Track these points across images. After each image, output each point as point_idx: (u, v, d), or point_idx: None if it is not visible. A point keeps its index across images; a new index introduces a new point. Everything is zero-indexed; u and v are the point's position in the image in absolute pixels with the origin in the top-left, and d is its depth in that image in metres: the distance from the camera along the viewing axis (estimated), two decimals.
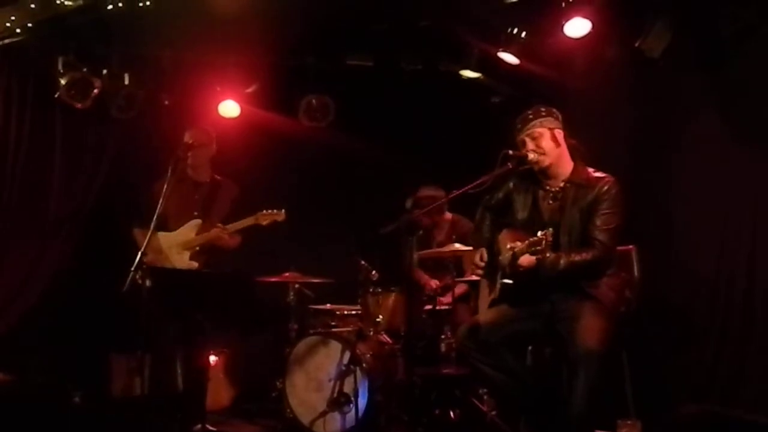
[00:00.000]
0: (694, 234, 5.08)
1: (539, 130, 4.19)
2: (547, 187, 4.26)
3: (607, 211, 4.05)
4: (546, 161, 4.19)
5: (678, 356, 5.00)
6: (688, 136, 5.19)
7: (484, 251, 4.36)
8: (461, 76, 6.40)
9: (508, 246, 4.09)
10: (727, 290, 4.85)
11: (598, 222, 4.04)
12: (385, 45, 6.36)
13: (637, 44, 5.12)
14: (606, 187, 4.10)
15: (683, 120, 5.22)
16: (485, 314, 4.31)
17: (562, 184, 4.21)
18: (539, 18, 5.50)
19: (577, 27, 5.23)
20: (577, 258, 4.00)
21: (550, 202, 4.22)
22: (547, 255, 3.90)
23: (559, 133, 4.22)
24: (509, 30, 5.66)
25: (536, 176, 4.29)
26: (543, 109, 4.25)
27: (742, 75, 4.82)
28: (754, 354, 4.65)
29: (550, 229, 3.82)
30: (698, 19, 4.95)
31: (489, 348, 4.12)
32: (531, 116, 4.23)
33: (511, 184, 4.41)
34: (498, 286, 4.30)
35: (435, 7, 5.80)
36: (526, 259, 3.99)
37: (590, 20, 5.18)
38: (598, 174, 4.19)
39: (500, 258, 4.26)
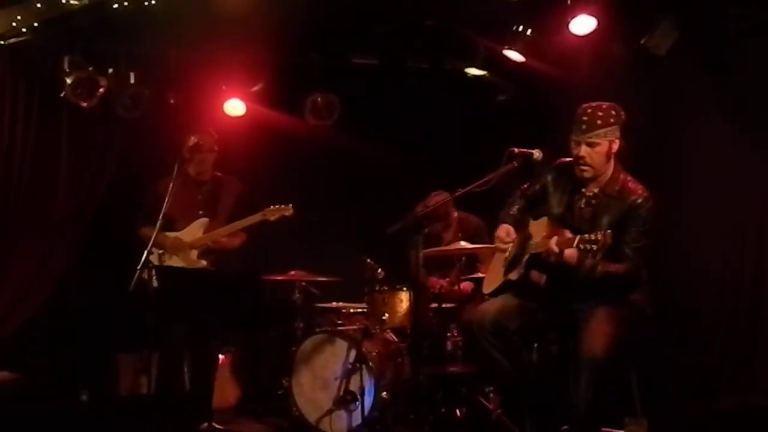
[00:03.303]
0: (699, 234, 5.07)
1: (600, 141, 3.99)
2: (583, 190, 4.16)
3: (638, 228, 3.97)
4: (589, 173, 4.07)
5: (684, 356, 5.00)
6: (693, 135, 5.18)
7: (511, 228, 4.31)
8: (467, 74, 6.40)
9: (549, 235, 4.01)
10: (733, 290, 4.83)
11: (629, 238, 3.96)
12: (390, 43, 6.36)
13: (642, 42, 5.11)
14: (639, 201, 3.99)
15: (688, 118, 5.20)
16: (502, 300, 4.29)
17: (596, 190, 4.11)
18: (545, 15, 5.50)
19: (583, 24, 5.22)
20: (612, 269, 3.96)
21: (583, 206, 4.14)
22: (590, 257, 3.85)
23: (616, 145, 4.04)
24: (515, 27, 5.66)
25: (575, 174, 4.19)
26: (614, 114, 4.01)
27: (747, 74, 4.80)
28: (760, 354, 4.64)
29: (609, 231, 3.73)
30: (703, 18, 4.94)
31: (504, 333, 4.13)
32: (600, 122, 3.97)
33: (549, 177, 4.30)
34: (522, 270, 4.24)
35: (440, 4, 5.80)
36: (569, 253, 3.90)
37: (596, 17, 5.17)
38: (634, 184, 4.07)
39: (531, 242, 4.19)
